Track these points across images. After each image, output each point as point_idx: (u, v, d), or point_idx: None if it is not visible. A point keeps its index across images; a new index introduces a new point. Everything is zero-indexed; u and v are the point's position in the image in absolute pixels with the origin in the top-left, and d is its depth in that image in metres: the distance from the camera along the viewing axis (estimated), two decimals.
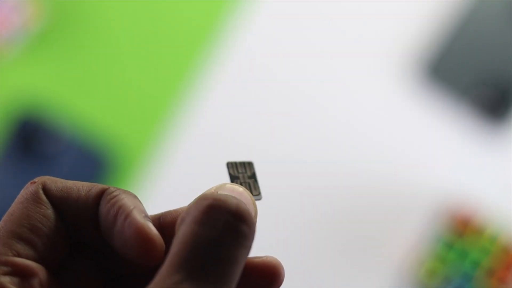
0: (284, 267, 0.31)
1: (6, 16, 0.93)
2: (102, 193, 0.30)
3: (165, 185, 0.91)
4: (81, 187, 0.31)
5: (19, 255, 0.27)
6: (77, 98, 0.93)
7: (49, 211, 0.29)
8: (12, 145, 0.91)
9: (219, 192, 0.28)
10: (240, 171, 0.32)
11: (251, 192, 0.30)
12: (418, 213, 0.87)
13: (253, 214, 0.27)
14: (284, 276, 0.29)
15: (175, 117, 0.92)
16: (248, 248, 0.25)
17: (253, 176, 0.32)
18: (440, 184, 0.88)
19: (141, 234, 0.27)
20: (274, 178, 0.89)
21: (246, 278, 0.28)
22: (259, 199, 0.31)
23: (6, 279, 0.26)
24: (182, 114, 0.92)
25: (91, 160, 0.91)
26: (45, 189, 0.29)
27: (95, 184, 0.31)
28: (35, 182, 0.29)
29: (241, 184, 0.31)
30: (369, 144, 0.90)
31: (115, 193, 0.29)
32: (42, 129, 0.91)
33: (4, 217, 0.29)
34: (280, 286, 0.29)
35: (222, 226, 0.25)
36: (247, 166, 0.32)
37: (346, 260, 0.87)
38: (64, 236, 0.29)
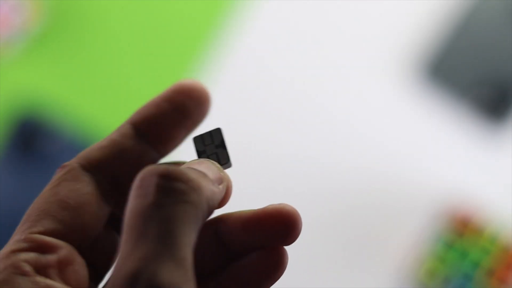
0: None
1: (6, 16, 0.93)
2: (131, 124, 0.31)
3: None
4: (110, 135, 0.30)
5: (44, 231, 0.27)
6: (77, 98, 0.93)
7: (80, 185, 0.28)
8: (12, 145, 0.91)
9: (188, 166, 0.28)
10: (206, 143, 0.32)
11: (219, 162, 0.30)
12: (418, 213, 0.87)
13: (197, 178, 0.26)
14: (301, 225, 0.29)
15: None
16: (190, 202, 0.25)
17: (221, 145, 0.32)
18: (440, 184, 0.88)
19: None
20: (271, 175, 0.89)
21: (256, 228, 0.28)
22: (228, 167, 0.31)
23: (21, 256, 0.26)
24: None
25: None
26: (81, 161, 0.29)
27: (120, 126, 0.31)
28: (65, 166, 0.29)
29: (207, 157, 0.31)
30: (369, 144, 0.90)
31: None
32: (42, 129, 0.91)
33: (37, 198, 0.28)
34: (296, 236, 0.29)
35: (153, 189, 0.24)
36: (214, 135, 0.32)
37: (346, 260, 0.87)
38: (100, 211, 0.28)
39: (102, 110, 0.93)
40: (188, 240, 0.24)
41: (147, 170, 0.25)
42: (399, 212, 0.88)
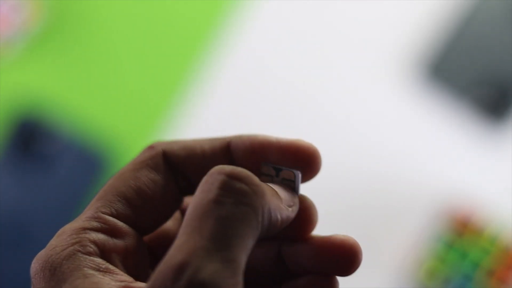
0: None
1: (6, 16, 0.93)
2: (227, 142, 0.30)
3: None
4: (203, 142, 0.30)
5: (117, 215, 0.27)
6: (76, 98, 0.93)
7: (160, 177, 0.28)
8: (12, 145, 0.91)
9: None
10: (277, 174, 0.31)
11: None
12: (418, 213, 0.87)
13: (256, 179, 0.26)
14: (361, 259, 0.29)
15: (175, 117, 0.92)
16: (250, 206, 0.25)
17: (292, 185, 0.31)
18: (440, 184, 0.88)
19: (297, 143, 0.29)
20: None
21: (320, 257, 0.29)
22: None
23: (90, 235, 0.26)
24: (182, 114, 0.92)
25: (91, 160, 0.91)
26: (166, 153, 0.29)
27: (214, 137, 0.31)
28: (152, 148, 0.29)
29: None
30: (369, 144, 0.90)
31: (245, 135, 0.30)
32: (42, 129, 0.91)
33: (115, 175, 0.29)
34: (354, 269, 0.30)
35: (217, 186, 0.25)
36: (289, 175, 0.31)
37: None
38: (171, 205, 0.29)
39: (102, 110, 0.93)
40: (241, 243, 0.24)
41: (217, 167, 0.25)
42: (399, 212, 0.88)
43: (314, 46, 0.92)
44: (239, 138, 0.31)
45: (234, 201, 0.24)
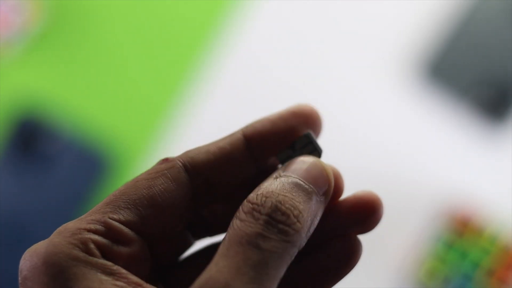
0: None
1: (6, 16, 0.93)
2: (241, 134, 0.31)
3: None
4: (217, 142, 0.31)
5: (124, 221, 0.27)
6: (76, 98, 0.93)
7: (175, 187, 0.28)
8: (12, 145, 0.91)
9: (283, 172, 0.29)
10: (292, 151, 0.32)
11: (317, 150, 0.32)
12: (418, 213, 0.87)
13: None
14: (382, 211, 0.31)
15: (175, 117, 0.92)
16: (291, 243, 0.26)
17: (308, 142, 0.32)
18: (440, 184, 0.88)
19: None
20: None
21: (339, 214, 0.30)
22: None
23: (92, 236, 0.26)
24: (182, 114, 0.92)
25: (91, 160, 0.92)
26: (184, 162, 0.29)
27: (225, 136, 0.32)
28: (167, 160, 0.29)
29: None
30: (368, 144, 0.90)
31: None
32: (42, 129, 0.91)
33: (128, 182, 0.28)
34: (378, 221, 0.31)
35: (262, 223, 0.26)
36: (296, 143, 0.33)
37: None
38: (184, 216, 0.29)
39: (102, 110, 0.93)
40: (279, 274, 0.26)
41: (260, 200, 0.27)
42: (399, 212, 0.88)
43: (314, 46, 0.92)
44: (250, 126, 0.32)
45: (277, 238, 0.26)
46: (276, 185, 0.28)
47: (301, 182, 0.29)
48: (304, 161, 0.30)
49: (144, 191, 0.28)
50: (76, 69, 0.94)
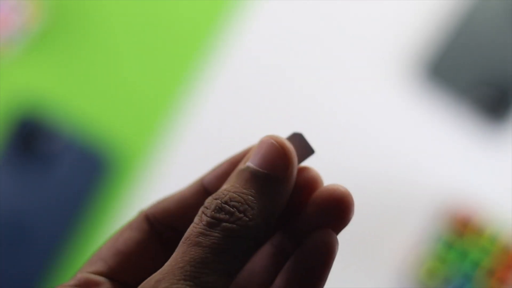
0: None
1: (6, 16, 0.93)
2: (201, 181, 0.33)
3: (166, 185, 0.91)
4: (183, 190, 0.34)
5: (95, 271, 0.31)
6: (77, 97, 0.93)
7: (137, 234, 0.32)
8: (12, 145, 0.91)
9: (244, 164, 0.31)
10: None
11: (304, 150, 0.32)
12: (418, 213, 0.87)
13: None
14: (352, 206, 0.30)
15: (175, 117, 0.92)
16: (237, 237, 0.27)
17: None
18: (440, 183, 0.88)
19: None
20: None
21: (308, 211, 0.30)
22: (312, 154, 0.32)
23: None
24: (182, 114, 0.92)
25: (91, 160, 0.92)
26: (148, 212, 0.33)
27: (192, 182, 0.34)
28: (139, 212, 0.33)
29: None
30: (368, 144, 0.90)
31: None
32: (42, 129, 0.91)
33: (106, 242, 0.33)
34: (348, 219, 0.30)
35: (205, 223, 0.28)
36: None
37: (346, 260, 0.87)
38: (152, 258, 0.32)
39: (102, 110, 0.93)
40: (224, 269, 0.27)
41: (209, 200, 0.29)
42: (399, 212, 0.88)
43: (314, 46, 0.92)
44: (209, 174, 0.34)
45: (220, 234, 0.27)
46: (230, 182, 0.29)
47: (257, 170, 0.30)
48: (261, 146, 0.31)
49: (110, 244, 0.32)
50: (76, 69, 0.94)
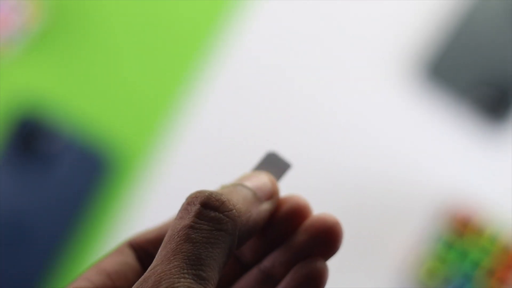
0: None
1: (6, 16, 0.93)
2: None
3: (166, 185, 0.91)
4: (164, 223, 0.34)
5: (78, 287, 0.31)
6: (77, 98, 0.93)
7: (120, 258, 0.32)
8: (12, 145, 0.91)
9: (238, 183, 0.31)
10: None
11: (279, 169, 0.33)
12: (418, 213, 0.87)
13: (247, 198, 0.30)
14: (342, 235, 0.31)
15: (176, 117, 0.92)
16: (225, 231, 0.27)
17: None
18: (440, 183, 0.88)
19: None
20: None
21: (298, 239, 0.30)
22: (289, 169, 0.33)
23: None
24: (183, 114, 0.92)
25: (91, 160, 0.92)
26: (131, 240, 0.33)
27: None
28: (125, 240, 0.33)
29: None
30: (368, 144, 0.90)
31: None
32: (42, 129, 0.91)
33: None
34: (337, 247, 0.31)
35: (193, 215, 0.27)
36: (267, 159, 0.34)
37: (345, 260, 0.87)
38: (133, 278, 0.32)
39: (102, 110, 0.93)
40: (215, 264, 0.27)
41: (194, 195, 0.28)
42: (399, 212, 0.88)
43: (314, 46, 0.92)
44: None
45: (209, 227, 0.27)
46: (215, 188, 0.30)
47: (243, 186, 0.30)
48: (246, 174, 0.32)
49: (95, 267, 0.32)
50: (76, 69, 0.94)
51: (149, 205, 0.91)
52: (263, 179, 0.32)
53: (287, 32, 0.93)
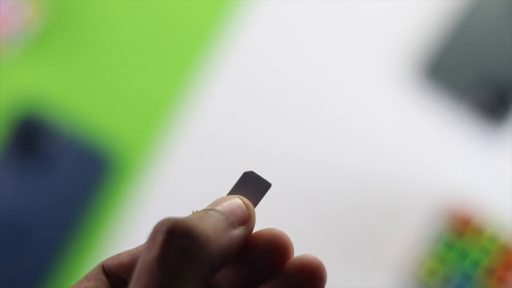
0: None
1: (6, 16, 0.93)
2: None
3: (167, 185, 0.91)
4: (139, 246, 0.32)
5: None
6: (77, 98, 0.93)
7: (94, 284, 0.31)
8: (13, 145, 0.91)
9: (209, 208, 0.29)
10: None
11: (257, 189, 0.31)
12: (418, 213, 0.87)
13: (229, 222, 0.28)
14: (325, 278, 0.29)
15: (176, 117, 0.92)
16: (195, 259, 0.26)
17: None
18: (440, 184, 0.88)
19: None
20: (272, 178, 0.89)
21: (282, 281, 0.29)
22: (268, 188, 0.31)
23: None
24: (183, 113, 0.92)
25: (91, 160, 0.92)
26: (103, 264, 0.32)
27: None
28: (97, 265, 0.32)
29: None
30: (368, 144, 0.90)
31: None
32: (42, 129, 0.91)
33: None
34: None
35: (160, 245, 0.26)
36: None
37: (346, 260, 0.87)
38: None
39: (102, 110, 0.93)
40: None
41: (160, 223, 0.27)
42: (399, 212, 0.88)
43: (314, 46, 0.92)
44: None
45: (178, 257, 0.26)
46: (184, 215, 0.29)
47: (214, 210, 0.29)
48: (220, 198, 0.30)
49: None
50: (77, 69, 0.94)
51: (150, 205, 0.91)
52: (236, 203, 0.30)
53: (287, 32, 0.93)
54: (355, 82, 0.91)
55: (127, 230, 0.90)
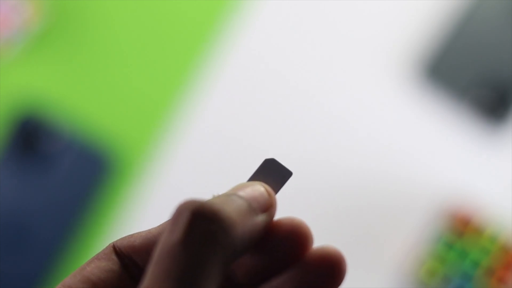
0: None
1: (6, 16, 0.93)
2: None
3: (167, 185, 0.91)
4: (154, 228, 0.31)
5: None
6: (77, 98, 0.93)
7: (105, 264, 0.30)
8: (13, 145, 0.91)
9: (232, 193, 0.29)
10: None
11: (278, 179, 0.30)
12: (418, 213, 0.87)
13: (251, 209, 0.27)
14: (346, 270, 0.28)
15: (176, 117, 0.92)
16: (219, 244, 0.25)
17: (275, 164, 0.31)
18: (440, 184, 0.88)
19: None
20: None
21: (300, 272, 0.28)
22: (290, 177, 0.31)
23: None
24: (183, 113, 0.92)
25: (91, 160, 0.92)
26: (115, 245, 0.31)
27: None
28: (109, 244, 0.31)
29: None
30: (368, 144, 0.90)
31: None
32: (42, 129, 0.91)
33: (72, 273, 0.31)
34: (341, 282, 0.28)
35: (183, 227, 0.25)
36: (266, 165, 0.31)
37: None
38: (119, 286, 0.30)
39: (102, 110, 0.93)
40: (211, 281, 0.24)
41: (184, 205, 0.26)
42: (399, 212, 0.88)
43: (314, 46, 0.92)
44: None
45: (202, 241, 0.25)
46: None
47: (236, 195, 0.28)
48: (241, 184, 0.29)
49: (78, 273, 0.30)
50: (77, 69, 0.94)
51: (150, 205, 0.91)
52: (259, 189, 0.29)
53: (286, 32, 0.93)
54: (355, 82, 0.91)
55: (127, 230, 0.90)
